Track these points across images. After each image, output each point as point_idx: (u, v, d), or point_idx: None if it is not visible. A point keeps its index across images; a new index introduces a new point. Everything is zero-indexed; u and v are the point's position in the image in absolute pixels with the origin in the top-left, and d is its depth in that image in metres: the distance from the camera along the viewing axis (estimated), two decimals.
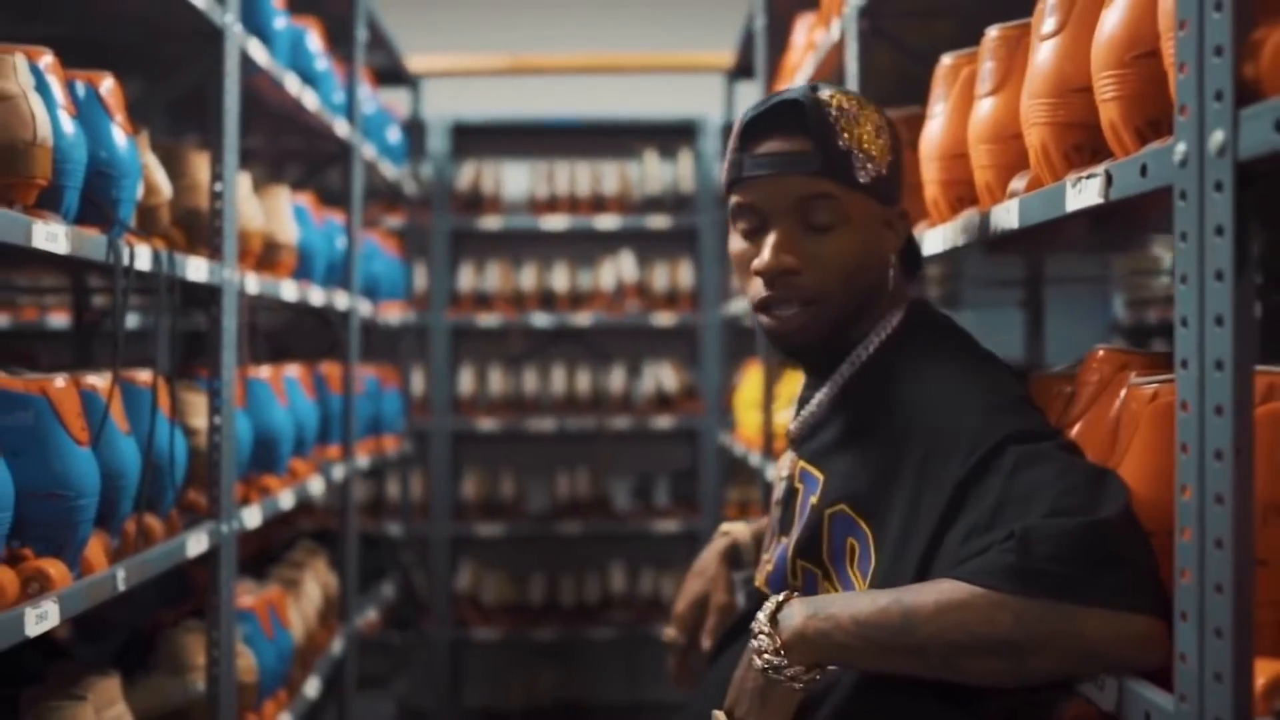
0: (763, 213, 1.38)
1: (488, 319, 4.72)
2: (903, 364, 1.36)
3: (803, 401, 1.47)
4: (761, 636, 1.19)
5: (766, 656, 1.18)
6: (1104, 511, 1.10)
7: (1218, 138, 0.91)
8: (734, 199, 1.41)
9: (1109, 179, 1.12)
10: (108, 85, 1.80)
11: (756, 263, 1.37)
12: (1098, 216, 1.28)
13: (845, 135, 1.36)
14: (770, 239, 1.37)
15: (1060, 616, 1.07)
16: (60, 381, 1.60)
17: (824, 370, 1.45)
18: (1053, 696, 1.19)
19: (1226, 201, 0.91)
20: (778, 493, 1.49)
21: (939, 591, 1.12)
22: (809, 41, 2.78)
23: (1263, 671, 0.95)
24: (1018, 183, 1.43)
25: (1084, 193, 1.17)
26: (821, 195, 1.36)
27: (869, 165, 1.37)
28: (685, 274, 4.77)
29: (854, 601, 1.17)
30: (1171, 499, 0.99)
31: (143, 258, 1.82)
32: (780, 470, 1.51)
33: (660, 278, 4.77)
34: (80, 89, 1.75)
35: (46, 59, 1.63)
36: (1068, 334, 2.99)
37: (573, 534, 4.72)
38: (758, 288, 1.39)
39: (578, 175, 4.80)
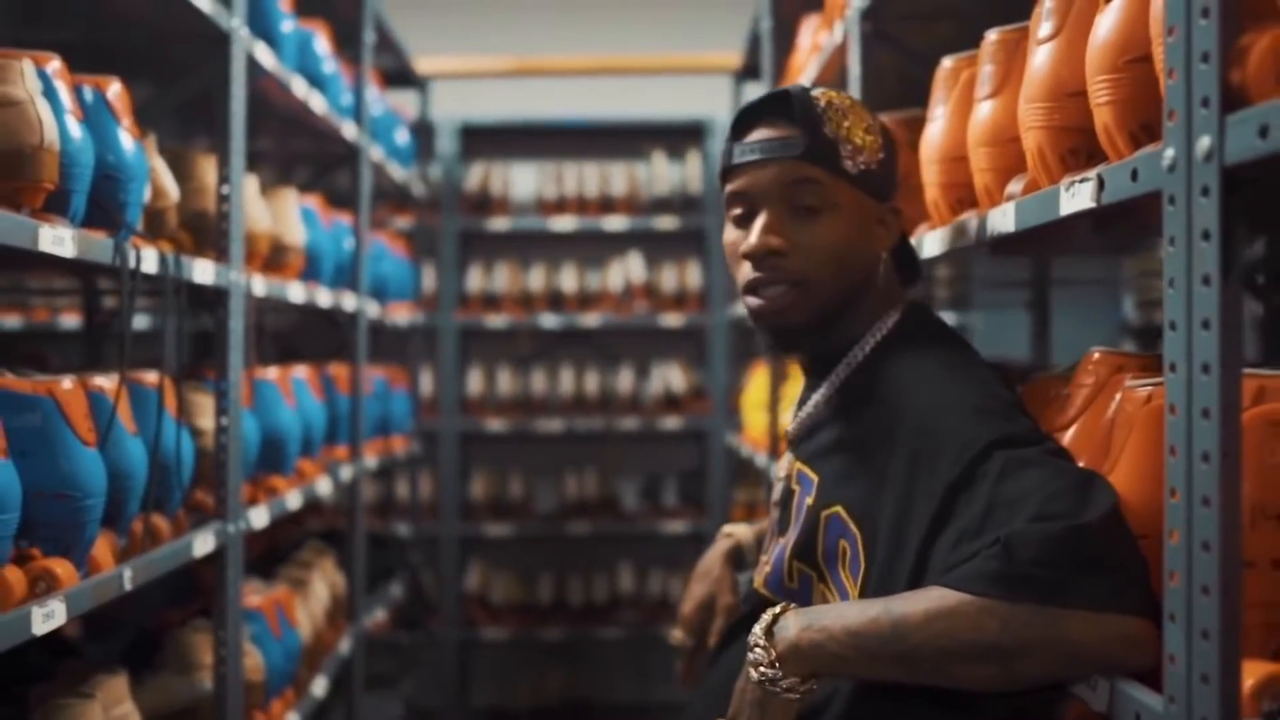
0: (751, 198, 1.41)
1: (496, 320, 4.74)
2: (896, 367, 1.37)
3: (802, 403, 1.49)
4: (758, 649, 1.21)
5: (762, 669, 1.20)
6: (1089, 515, 1.11)
7: (1204, 143, 0.92)
8: (726, 188, 1.44)
9: (1100, 183, 1.13)
10: (115, 90, 1.81)
11: (744, 245, 1.40)
12: (1102, 219, 1.29)
13: (832, 125, 1.40)
14: (758, 222, 1.40)
15: (1045, 620, 1.08)
16: (67, 383, 1.62)
17: (816, 366, 1.46)
18: (1054, 698, 1.20)
19: (1213, 206, 0.91)
20: (776, 494, 1.50)
21: (928, 599, 1.13)
22: (814, 43, 2.79)
23: (1251, 673, 0.96)
24: (1015, 186, 1.43)
25: (1077, 197, 1.18)
26: (807, 179, 1.38)
27: (858, 157, 1.40)
28: (693, 275, 4.78)
29: (846, 612, 1.19)
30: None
31: (149, 260, 1.83)
32: (779, 471, 1.52)
33: (668, 279, 4.78)
34: (87, 94, 1.76)
35: (54, 64, 1.65)
36: (1078, 335, 2.99)
37: (581, 534, 4.73)
38: (746, 271, 1.41)
39: (586, 176, 4.82)
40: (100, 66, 1.86)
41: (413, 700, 4.39)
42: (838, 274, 1.39)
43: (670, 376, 4.80)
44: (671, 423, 4.73)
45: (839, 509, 1.32)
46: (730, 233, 1.44)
